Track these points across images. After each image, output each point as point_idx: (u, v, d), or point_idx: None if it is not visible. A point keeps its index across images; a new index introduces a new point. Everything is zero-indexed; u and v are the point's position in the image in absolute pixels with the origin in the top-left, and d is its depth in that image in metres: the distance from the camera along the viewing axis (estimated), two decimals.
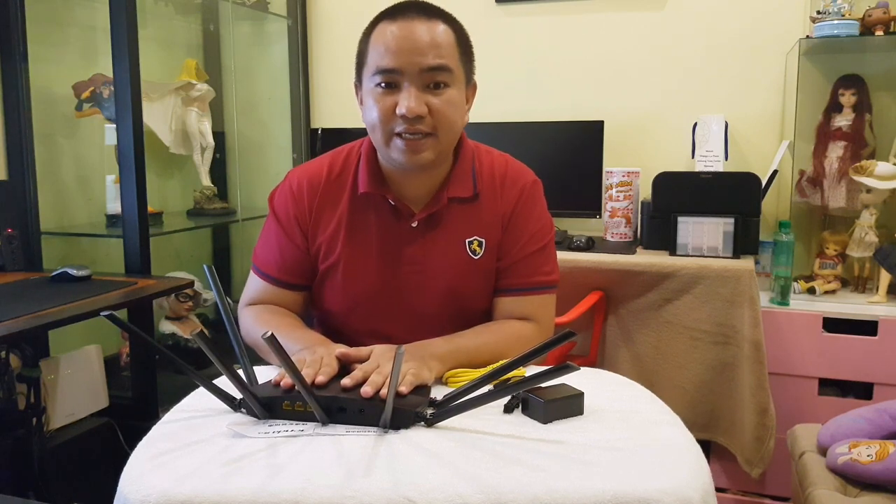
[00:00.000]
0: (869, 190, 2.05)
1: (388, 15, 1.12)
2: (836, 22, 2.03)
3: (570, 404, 0.93)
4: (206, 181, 2.52)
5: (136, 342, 1.95)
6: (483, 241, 1.21)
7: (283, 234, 1.23)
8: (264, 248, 1.25)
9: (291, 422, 0.89)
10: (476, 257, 1.20)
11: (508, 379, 0.93)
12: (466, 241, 1.20)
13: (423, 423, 0.88)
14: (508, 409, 0.94)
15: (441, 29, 1.10)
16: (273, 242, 1.24)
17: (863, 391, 1.96)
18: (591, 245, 2.15)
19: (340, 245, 1.19)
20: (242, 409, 0.92)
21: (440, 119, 1.10)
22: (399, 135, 1.10)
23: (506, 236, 1.22)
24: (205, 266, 0.96)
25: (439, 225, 1.20)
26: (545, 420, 0.90)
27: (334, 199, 1.21)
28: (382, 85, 1.09)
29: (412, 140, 1.09)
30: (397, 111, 1.08)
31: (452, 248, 1.20)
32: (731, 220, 1.98)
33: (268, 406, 0.90)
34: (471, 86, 1.19)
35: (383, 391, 0.88)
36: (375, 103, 1.10)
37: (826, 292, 2.11)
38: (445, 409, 0.89)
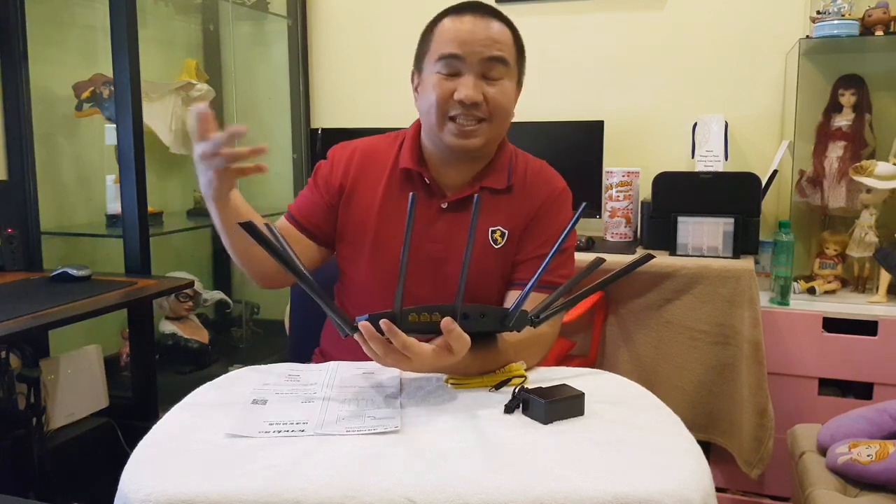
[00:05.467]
0: (869, 190, 2.05)
1: (452, 11, 1.19)
2: (836, 22, 2.03)
3: (571, 405, 0.93)
4: None
5: (136, 342, 1.94)
6: (506, 232, 1.26)
7: (314, 186, 1.32)
8: (297, 199, 1.35)
9: (291, 422, 0.90)
10: (496, 246, 1.25)
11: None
12: (490, 229, 1.25)
13: (530, 324, 1.00)
14: (509, 409, 0.94)
15: (502, 27, 1.20)
16: (304, 192, 1.34)
17: (863, 391, 1.96)
18: (591, 245, 2.15)
19: (374, 216, 1.26)
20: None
21: (494, 107, 1.18)
22: (453, 119, 1.17)
23: (527, 231, 1.26)
24: (266, 224, 1.04)
25: (467, 210, 1.25)
26: (546, 421, 0.90)
27: (375, 173, 1.28)
28: (443, 72, 1.17)
29: (465, 125, 1.17)
30: (455, 96, 1.16)
31: (478, 233, 1.23)
32: (731, 220, 1.98)
33: (394, 321, 0.91)
34: (519, 87, 1.26)
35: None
36: (434, 88, 1.17)
37: (826, 292, 2.11)
38: (552, 311, 0.99)
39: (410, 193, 0.86)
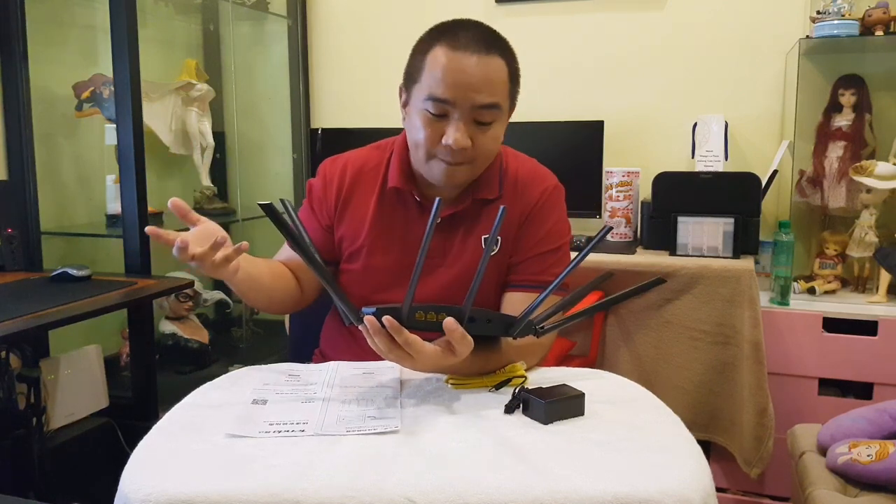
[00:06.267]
0: (869, 190, 2.05)
1: (447, 38, 1.13)
2: (836, 22, 2.03)
3: (571, 405, 0.93)
4: (206, 181, 2.52)
5: (136, 342, 1.94)
6: (499, 238, 1.24)
7: (310, 210, 1.31)
8: None
9: (292, 422, 0.90)
10: (491, 254, 1.23)
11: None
12: (483, 237, 1.25)
13: (534, 333, 1.00)
14: (509, 409, 0.94)
15: (497, 65, 1.13)
16: (302, 216, 1.31)
17: (863, 391, 1.96)
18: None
19: (366, 231, 1.25)
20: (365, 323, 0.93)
21: (480, 152, 1.16)
22: (440, 160, 1.16)
23: (520, 233, 1.25)
24: (281, 200, 1.04)
25: (461, 222, 1.25)
26: (546, 421, 0.90)
27: (367, 188, 1.28)
28: (432, 112, 1.13)
29: (451, 166, 1.15)
30: (443, 141, 1.13)
31: (470, 242, 1.25)
32: (731, 220, 1.98)
33: (399, 318, 0.92)
34: (512, 109, 1.23)
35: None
36: (423, 127, 1.14)
37: (826, 292, 2.11)
38: (555, 322, 1.00)
39: (437, 199, 0.87)
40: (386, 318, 0.91)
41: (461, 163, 1.15)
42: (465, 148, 1.13)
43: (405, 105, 1.22)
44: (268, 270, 1.24)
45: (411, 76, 1.18)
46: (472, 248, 1.24)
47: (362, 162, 1.30)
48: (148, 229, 1.01)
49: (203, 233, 1.05)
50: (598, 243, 0.94)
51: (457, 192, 1.25)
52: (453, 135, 1.12)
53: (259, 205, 0.85)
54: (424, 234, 1.24)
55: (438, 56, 1.12)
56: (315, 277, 1.27)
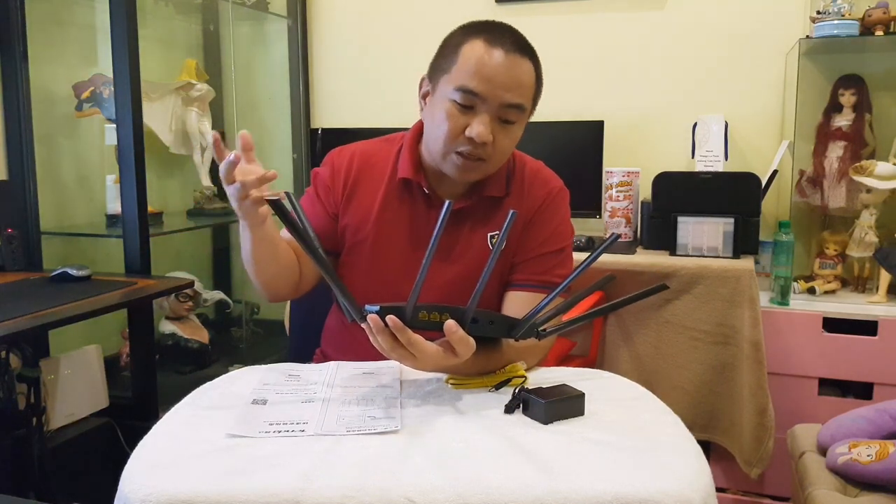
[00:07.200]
0: (869, 190, 2.06)
1: (484, 34, 1.15)
2: (836, 22, 2.04)
3: (571, 405, 0.93)
4: (206, 181, 2.52)
5: (136, 342, 1.94)
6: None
7: (315, 198, 1.31)
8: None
9: (292, 422, 0.90)
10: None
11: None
12: (489, 234, 1.25)
13: (536, 336, 0.99)
14: (509, 409, 0.94)
15: (528, 68, 1.16)
16: (305, 200, 1.32)
17: (863, 391, 1.96)
18: (590, 245, 2.15)
19: (371, 222, 1.25)
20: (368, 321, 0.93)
21: (498, 151, 1.17)
22: (458, 153, 1.16)
23: (524, 233, 1.26)
24: (286, 192, 1.04)
25: (467, 218, 1.25)
26: (546, 421, 0.90)
27: (374, 179, 1.28)
28: (459, 103, 1.13)
29: (468, 161, 1.16)
30: (467, 132, 1.13)
31: (475, 239, 1.25)
32: (731, 220, 1.99)
33: (403, 317, 0.92)
34: (532, 113, 1.23)
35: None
36: (447, 118, 1.14)
37: (826, 292, 2.11)
38: (558, 326, 1.00)
39: (447, 201, 0.87)
40: (389, 318, 0.91)
41: (479, 158, 1.16)
42: (486, 143, 1.13)
43: (426, 96, 1.22)
44: (286, 244, 1.23)
45: (440, 66, 1.18)
46: (477, 245, 1.25)
47: (370, 153, 1.30)
48: (213, 134, 1.06)
49: (252, 169, 1.06)
50: (604, 251, 0.94)
51: (465, 187, 1.25)
52: (477, 128, 1.12)
53: (267, 200, 0.85)
54: (431, 231, 1.25)
55: (474, 49, 1.14)
56: (315, 268, 1.27)
